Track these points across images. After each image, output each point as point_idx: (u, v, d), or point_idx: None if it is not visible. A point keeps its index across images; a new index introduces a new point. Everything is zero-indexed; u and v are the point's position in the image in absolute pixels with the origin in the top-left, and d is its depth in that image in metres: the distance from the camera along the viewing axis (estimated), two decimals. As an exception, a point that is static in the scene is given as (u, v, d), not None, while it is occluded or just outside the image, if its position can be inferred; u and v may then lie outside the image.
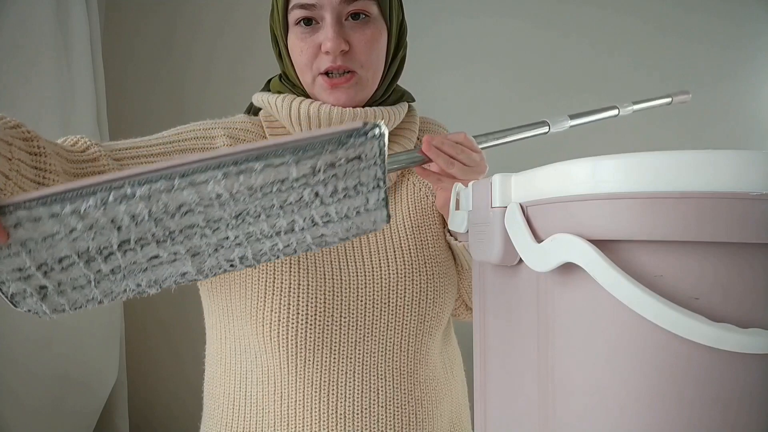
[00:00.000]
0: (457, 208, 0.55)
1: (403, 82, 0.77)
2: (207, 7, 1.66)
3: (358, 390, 0.68)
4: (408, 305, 0.69)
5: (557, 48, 1.74)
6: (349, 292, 0.67)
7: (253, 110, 0.77)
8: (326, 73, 0.66)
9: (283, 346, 0.65)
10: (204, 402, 0.76)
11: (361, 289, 0.68)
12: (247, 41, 1.63)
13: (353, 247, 0.69)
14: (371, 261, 0.69)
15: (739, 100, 1.78)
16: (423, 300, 0.70)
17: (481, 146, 0.71)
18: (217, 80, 1.65)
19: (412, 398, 0.71)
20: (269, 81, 0.76)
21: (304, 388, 0.66)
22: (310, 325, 0.65)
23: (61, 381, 1.22)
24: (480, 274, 0.52)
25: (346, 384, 0.67)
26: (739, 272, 0.30)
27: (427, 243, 0.72)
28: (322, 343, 0.66)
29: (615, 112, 0.95)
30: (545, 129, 0.82)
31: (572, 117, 0.86)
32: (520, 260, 0.40)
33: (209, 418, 0.74)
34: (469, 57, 1.72)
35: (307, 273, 0.66)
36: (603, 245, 0.32)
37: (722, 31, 1.76)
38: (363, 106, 0.69)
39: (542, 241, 0.36)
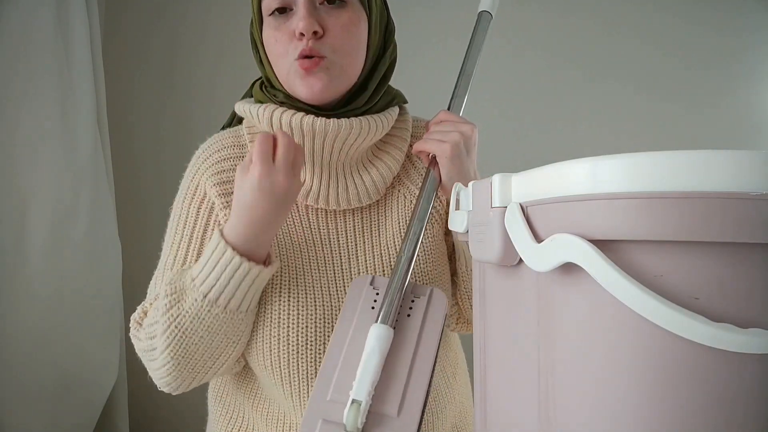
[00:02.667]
0: (457, 208, 0.55)
1: (403, 84, 0.75)
2: (207, 8, 1.66)
3: None
4: None
5: (555, 50, 1.74)
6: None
7: (238, 117, 0.76)
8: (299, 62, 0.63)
9: (276, 375, 0.65)
10: (209, 404, 0.76)
11: None
12: (247, 41, 1.63)
13: (342, 269, 0.68)
14: None
15: (739, 100, 1.78)
16: None
17: (459, 110, 0.71)
18: (216, 80, 1.65)
19: None
20: (252, 85, 0.74)
21: (301, 410, 0.66)
22: (302, 354, 0.64)
23: (61, 381, 1.22)
24: (480, 274, 0.52)
25: None
26: (739, 272, 0.30)
27: (419, 259, 0.70)
28: (315, 371, 0.65)
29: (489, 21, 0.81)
30: (490, 20, 0.76)
31: None
32: (520, 260, 0.40)
33: (215, 420, 0.74)
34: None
35: (297, 302, 0.64)
36: (603, 245, 0.32)
37: (722, 31, 1.76)
38: (344, 108, 0.66)
39: (542, 241, 0.36)
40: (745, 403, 0.30)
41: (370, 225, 0.70)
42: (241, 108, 0.69)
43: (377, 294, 0.58)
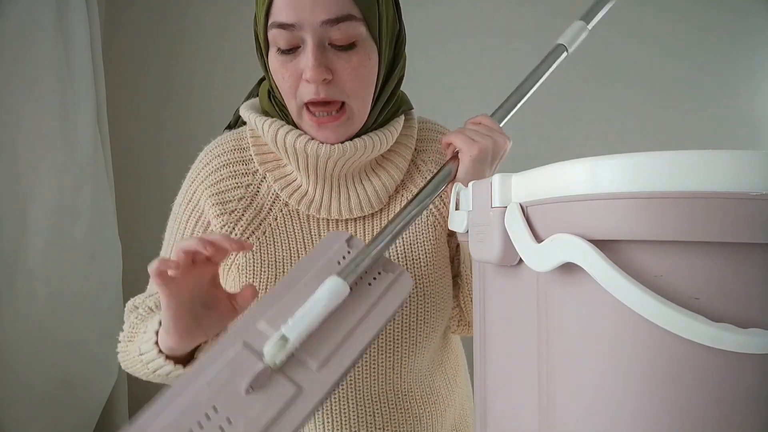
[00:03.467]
0: (457, 208, 0.55)
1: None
2: (207, 8, 1.66)
3: (353, 416, 0.67)
4: (399, 329, 0.67)
5: (554, 39, 1.74)
6: None
7: (241, 120, 0.75)
8: (310, 108, 0.61)
9: None
10: None
11: None
12: (248, 41, 1.63)
13: None
14: None
15: (739, 100, 1.78)
16: (414, 321, 0.67)
17: (500, 120, 0.69)
18: (216, 80, 1.65)
19: (410, 416, 0.69)
20: (259, 82, 0.72)
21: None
22: None
23: (61, 381, 1.22)
24: (480, 274, 0.52)
25: (340, 411, 0.66)
26: (739, 272, 0.30)
27: (419, 262, 0.69)
28: None
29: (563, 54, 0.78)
30: (564, 54, 0.73)
31: (586, 18, 0.75)
32: (520, 260, 0.40)
33: None
34: (468, 61, 1.72)
35: None
36: (603, 245, 0.32)
37: (722, 31, 1.76)
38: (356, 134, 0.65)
39: (542, 241, 0.36)
40: (745, 403, 0.30)
41: (373, 234, 0.68)
42: (247, 116, 0.68)
43: (349, 253, 0.57)
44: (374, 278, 0.56)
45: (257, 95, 0.72)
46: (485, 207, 0.44)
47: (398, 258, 0.69)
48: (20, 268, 1.15)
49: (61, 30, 1.24)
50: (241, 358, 0.48)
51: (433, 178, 0.63)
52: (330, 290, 0.51)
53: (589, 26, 0.74)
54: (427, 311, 0.68)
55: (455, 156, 0.65)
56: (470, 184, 0.49)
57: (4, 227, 1.13)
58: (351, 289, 0.53)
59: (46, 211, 1.19)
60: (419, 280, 0.68)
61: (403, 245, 0.69)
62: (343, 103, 0.61)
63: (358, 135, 0.65)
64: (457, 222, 0.54)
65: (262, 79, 0.72)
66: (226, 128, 0.77)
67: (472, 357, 0.57)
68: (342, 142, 0.63)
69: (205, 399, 0.46)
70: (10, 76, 1.14)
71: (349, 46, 0.58)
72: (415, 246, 0.70)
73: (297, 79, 0.59)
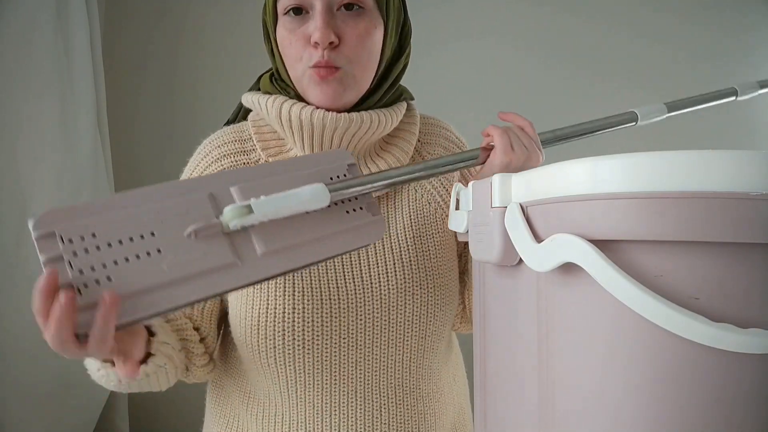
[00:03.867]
0: (457, 208, 0.55)
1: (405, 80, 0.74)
2: (207, 8, 1.66)
3: (360, 409, 0.66)
4: (409, 321, 0.66)
5: (555, 52, 1.74)
6: (348, 312, 0.64)
7: (244, 110, 0.75)
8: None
9: (281, 372, 0.64)
10: (207, 408, 0.76)
11: (360, 308, 0.65)
12: (248, 41, 1.63)
13: (351, 263, 0.66)
14: (370, 277, 0.66)
15: (739, 100, 1.77)
16: (424, 315, 0.67)
17: (544, 142, 0.69)
18: (216, 80, 1.65)
19: (415, 412, 0.69)
20: (260, 78, 0.73)
21: (305, 411, 0.65)
22: (308, 350, 0.63)
23: (61, 381, 1.22)
24: (480, 274, 0.52)
25: (348, 404, 0.66)
26: (739, 272, 0.30)
27: (429, 254, 0.69)
28: (321, 367, 0.64)
29: (731, 98, 0.80)
30: (632, 123, 0.74)
31: (670, 106, 0.75)
32: (520, 260, 0.40)
33: (212, 425, 0.73)
34: (468, 60, 1.72)
35: (303, 297, 0.63)
36: (603, 245, 0.32)
37: (722, 30, 1.76)
38: (356, 108, 0.65)
39: (542, 241, 0.36)
40: (744, 402, 0.30)
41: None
42: (249, 99, 0.69)
43: (345, 176, 0.57)
44: (354, 210, 0.56)
45: (258, 90, 0.73)
46: (485, 207, 0.44)
47: (407, 249, 0.68)
48: (20, 268, 1.15)
49: (61, 30, 1.24)
50: (199, 205, 0.48)
51: (459, 154, 0.64)
52: (312, 192, 0.51)
53: (668, 114, 0.76)
54: (437, 304, 0.68)
55: (487, 148, 0.65)
56: (470, 183, 0.49)
57: (4, 227, 1.13)
58: (330, 205, 0.53)
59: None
60: (429, 271, 0.68)
61: (413, 236, 0.69)
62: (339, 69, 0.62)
63: (362, 110, 0.66)
64: (457, 222, 0.54)
65: (261, 76, 0.72)
66: (224, 125, 0.77)
67: (471, 356, 0.57)
68: (348, 112, 0.64)
69: (148, 220, 0.45)
70: (10, 75, 1.14)
71: (357, 12, 0.61)
72: (426, 237, 0.69)
73: (305, 43, 0.61)
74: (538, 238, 0.37)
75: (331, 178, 0.56)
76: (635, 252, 0.32)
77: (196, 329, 0.66)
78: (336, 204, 0.54)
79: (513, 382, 0.44)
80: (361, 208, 0.57)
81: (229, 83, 1.63)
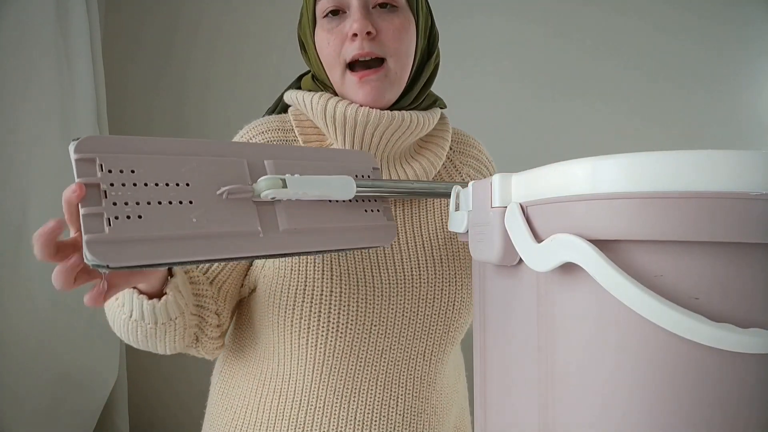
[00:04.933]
0: (457, 208, 0.55)
1: None
2: (207, 7, 1.66)
3: (378, 397, 0.67)
4: (436, 315, 0.69)
5: (555, 51, 1.74)
6: (381, 300, 0.66)
7: (281, 107, 0.76)
8: (353, 68, 0.64)
9: (311, 354, 0.65)
10: (210, 403, 0.76)
11: (393, 297, 0.67)
12: (247, 41, 1.63)
13: (386, 254, 0.68)
14: (403, 269, 0.68)
15: (739, 100, 1.78)
16: (450, 309, 0.69)
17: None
18: (217, 80, 1.65)
19: (428, 406, 0.71)
20: (300, 77, 0.75)
21: (326, 395, 0.66)
22: (341, 333, 0.64)
23: (61, 381, 1.22)
24: (480, 274, 0.52)
25: (368, 392, 0.67)
26: (739, 272, 0.30)
27: (459, 253, 0.71)
28: (350, 352, 0.65)
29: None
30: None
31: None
32: (520, 260, 0.40)
33: (216, 419, 0.73)
34: (468, 62, 1.72)
35: (340, 280, 0.65)
36: (603, 245, 0.32)
37: (722, 30, 1.76)
38: (397, 108, 0.67)
39: (542, 241, 0.36)
40: (745, 402, 0.30)
41: (412, 217, 0.71)
42: (293, 96, 0.71)
43: (368, 177, 0.60)
44: (372, 210, 0.59)
45: (298, 88, 0.75)
46: (485, 207, 0.44)
47: (439, 247, 0.71)
48: (20, 268, 1.15)
49: (61, 30, 1.24)
50: (237, 168, 0.49)
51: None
52: (342, 182, 0.53)
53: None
54: (463, 301, 0.70)
55: None
56: (470, 184, 0.49)
57: (4, 227, 1.13)
58: (352, 200, 0.55)
59: (46, 211, 1.19)
60: (458, 271, 0.71)
61: (444, 237, 0.71)
62: (383, 61, 0.64)
63: (400, 110, 0.68)
64: (456, 222, 0.54)
65: (300, 77, 0.75)
66: (264, 115, 0.78)
67: (471, 357, 0.57)
68: (390, 109, 0.66)
69: (187, 170, 0.46)
70: (9, 75, 1.14)
71: (391, 9, 0.64)
72: (455, 239, 0.72)
73: (342, 39, 0.64)
74: (538, 238, 0.37)
75: (357, 176, 0.58)
76: (635, 252, 0.32)
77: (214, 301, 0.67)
78: (357, 200, 0.57)
79: (513, 381, 0.44)
80: (378, 210, 0.59)
81: (230, 83, 1.63)
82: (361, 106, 0.65)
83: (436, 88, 0.75)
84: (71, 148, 0.41)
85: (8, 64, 1.13)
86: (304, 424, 0.66)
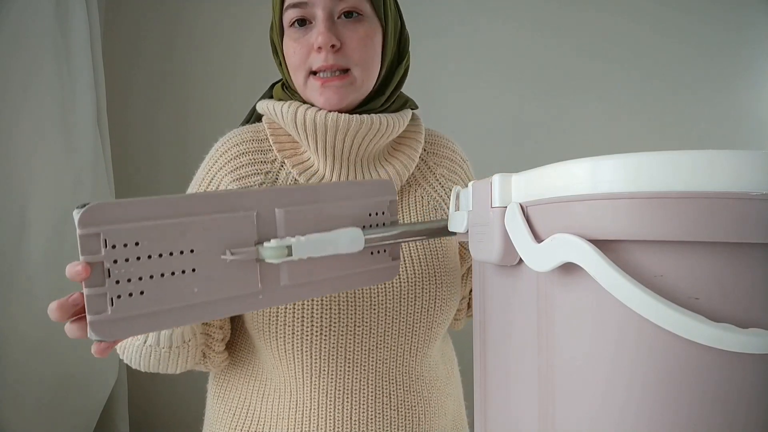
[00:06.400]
0: (457, 208, 0.55)
1: (406, 88, 0.76)
2: (207, 8, 1.66)
3: (371, 396, 0.69)
4: (419, 312, 0.70)
5: (554, 51, 1.74)
6: (363, 302, 0.67)
7: (256, 116, 0.77)
8: (316, 74, 0.65)
9: (297, 359, 0.66)
10: (210, 402, 0.76)
11: (374, 298, 0.68)
12: (247, 41, 1.63)
13: None
14: None
15: (739, 100, 1.78)
16: (432, 307, 0.71)
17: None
18: (217, 80, 1.65)
19: (421, 399, 0.72)
20: (272, 86, 0.76)
21: (318, 397, 0.67)
22: (325, 337, 0.66)
23: (61, 381, 1.22)
24: (480, 274, 0.52)
25: (360, 391, 0.69)
26: (739, 272, 0.30)
27: (437, 252, 0.73)
28: (336, 354, 0.67)
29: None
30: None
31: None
32: (520, 260, 0.40)
33: (217, 419, 0.74)
34: (467, 62, 1.72)
35: None
36: (603, 245, 0.32)
37: (722, 30, 1.76)
38: (361, 111, 0.68)
39: (542, 241, 0.36)
40: (745, 402, 0.30)
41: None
42: (264, 106, 0.71)
43: (383, 214, 0.59)
44: (378, 251, 0.58)
45: (271, 97, 0.76)
46: (485, 207, 0.44)
47: (417, 248, 0.72)
48: (20, 268, 1.15)
49: (61, 30, 1.24)
50: (244, 226, 0.48)
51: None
52: (350, 237, 0.52)
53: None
54: (443, 298, 0.72)
55: None
56: (470, 184, 0.49)
57: (4, 227, 1.13)
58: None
59: (46, 211, 1.19)
60: (437, 269, 0.72)
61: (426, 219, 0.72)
62: (348, 70, 0.65)
63: (369, 113, 0.68)
64: (456, 222, 0.54)
65: (272, 86, 0.76)
66: (241, 125, 0.78)
67: (469, 356, 0.57)
68: (360, 113, 0.67)
69: (193, 235, 0.45)
70: (9, 75, 1.14)
71: (356, 19, 0.65)
72: (433, 240, 0.73)
73: (308, 50, 0.64)
74: (538, 238, 0.37)
75: (370, 214, 0.58)
76: (635, 252, 0.32)
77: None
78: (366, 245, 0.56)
79: (513, 381, 0.44)
80: (384, 251, 0.59)
81: (229, 84, 1.63)
82: (330, 111, 0.65)
83: (436, 91, 0.75)
84: (76, 219, 0.40)
85: (8, 64, 1.13)
86: (302, 424, 0.67)
